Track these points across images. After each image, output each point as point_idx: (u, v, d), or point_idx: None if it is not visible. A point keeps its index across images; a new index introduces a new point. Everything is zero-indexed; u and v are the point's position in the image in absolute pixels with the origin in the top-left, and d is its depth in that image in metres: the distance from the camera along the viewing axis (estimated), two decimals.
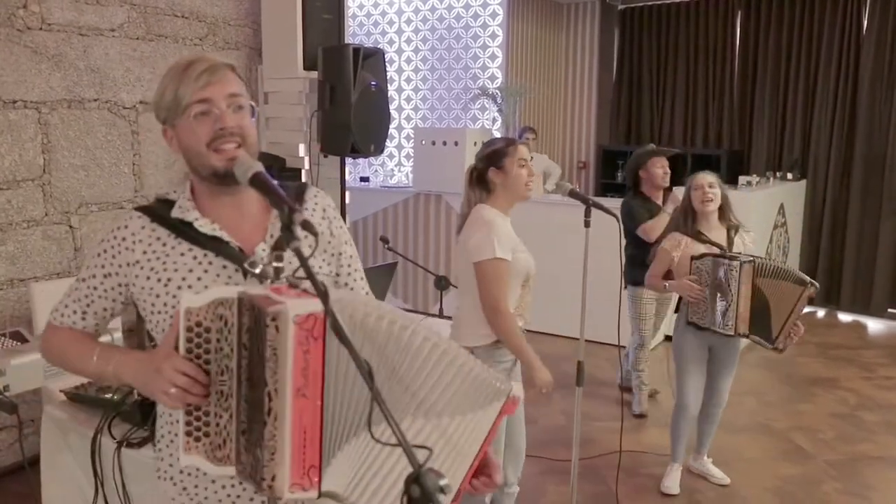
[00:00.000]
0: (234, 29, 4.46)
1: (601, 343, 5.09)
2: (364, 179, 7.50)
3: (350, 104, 3.79)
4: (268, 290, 1.15)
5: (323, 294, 1.03)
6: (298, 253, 1.06)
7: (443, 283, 4.08)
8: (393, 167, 7.91)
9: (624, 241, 4.02)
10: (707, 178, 3.40)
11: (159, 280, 1.37)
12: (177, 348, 1.22)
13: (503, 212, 2.67)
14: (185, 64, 1.34)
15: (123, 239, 1.41)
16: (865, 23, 6.67)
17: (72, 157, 3.73)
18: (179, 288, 1.34)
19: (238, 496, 1.39)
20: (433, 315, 4.05)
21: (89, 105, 3.78)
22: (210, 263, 1.37)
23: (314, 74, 4.07)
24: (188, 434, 1.22)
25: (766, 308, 3.25)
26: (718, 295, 3.24)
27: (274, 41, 4.37)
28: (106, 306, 1.46)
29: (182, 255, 1.38)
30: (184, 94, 1.33)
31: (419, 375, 1.17)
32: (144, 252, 1.39)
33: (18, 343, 3.15)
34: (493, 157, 2.65)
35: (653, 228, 4.21)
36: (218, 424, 1.20)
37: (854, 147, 6.76)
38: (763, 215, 6.00)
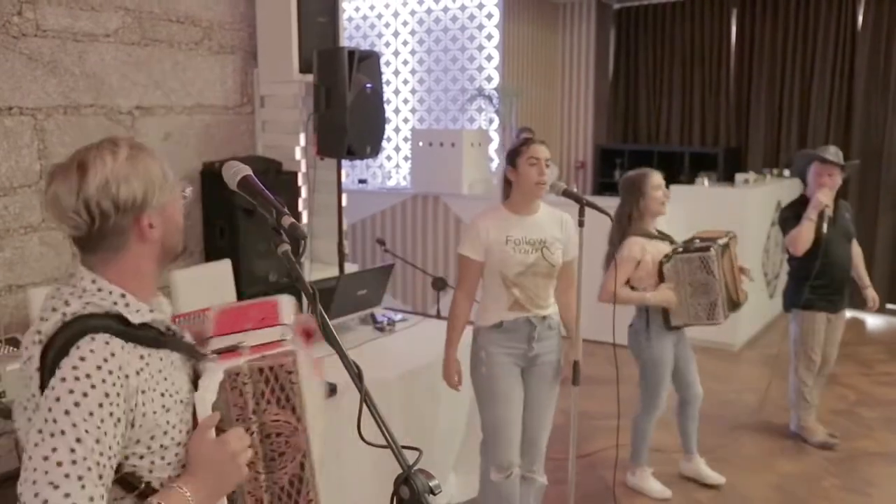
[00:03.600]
0: (230, 33, 4.47)
1: (597, 342, 5.10)
2: (362, 181, 7.53)
3: (346, 107, 3.79)
4: (241, 357, 1.26)
5: (312, 295, 1.05)
6: (287, 257, 1.08)
7: (440, 284, 4.09)
8: (391, 169, 7.92)
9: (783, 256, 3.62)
10: (660, 176, 3.29)
11: (171, 397, 1.20)
12: None
13: (517, 210, 2.75)
14: (137, 146, 1.22)
15: (119, 368, 1.12)
16: (860, 19, 6.69)
17: None
18: (183, 402, 1.22)
19: None
20: (431, 316, 4.06)
21: (85, 111, 3.79)
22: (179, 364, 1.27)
23: (310, 77, 4.08)
24: None
25: (730, 282, 3.27)
26: (698, 289, 3.19)
27: (269, 44, 4.38)
28: (115, 464, 1.12)
29: (165, 363, 1.22)
30: (167, 169, 1.23)
31: None
32: (138, 373, 1.15)
33: (15, 349, 3.15)
34: (509, 157, 2.77)
35: (797, 239, 3.68)
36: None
37: (850, 143, 6.76)
38: (760, 212, 6.02)
